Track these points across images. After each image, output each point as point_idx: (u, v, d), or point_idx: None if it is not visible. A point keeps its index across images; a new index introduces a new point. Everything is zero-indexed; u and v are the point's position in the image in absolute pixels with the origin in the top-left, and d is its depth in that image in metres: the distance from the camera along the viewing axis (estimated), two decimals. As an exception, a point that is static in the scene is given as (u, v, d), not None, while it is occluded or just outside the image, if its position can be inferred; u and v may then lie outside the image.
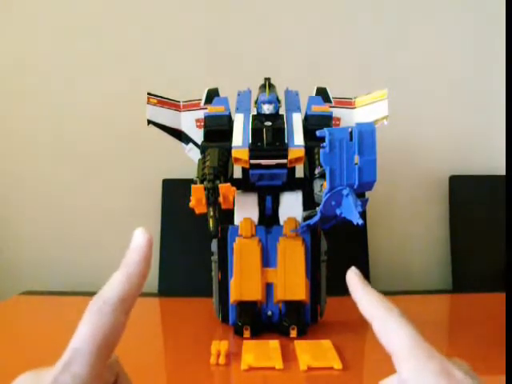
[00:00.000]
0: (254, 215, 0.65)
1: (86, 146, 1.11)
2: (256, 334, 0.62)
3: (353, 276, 0.29)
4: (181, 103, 0.73)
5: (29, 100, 1.11)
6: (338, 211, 0.54)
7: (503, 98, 0.85)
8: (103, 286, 0.24)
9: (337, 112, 0.71)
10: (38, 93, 1.11)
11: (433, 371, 0.23)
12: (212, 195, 0.57)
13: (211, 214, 0.59)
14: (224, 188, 0.58)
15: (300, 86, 0.72)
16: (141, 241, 0.24)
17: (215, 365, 0.54)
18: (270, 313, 0.63)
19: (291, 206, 0.65)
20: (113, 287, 0.24)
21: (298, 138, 0.62)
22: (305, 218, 0.62)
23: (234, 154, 0.61)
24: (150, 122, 0.70)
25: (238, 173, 0.67)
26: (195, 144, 0.71)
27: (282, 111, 0.67)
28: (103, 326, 0.22)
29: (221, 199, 0.58)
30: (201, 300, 0.74)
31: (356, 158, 0.53)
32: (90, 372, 0.22)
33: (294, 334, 0.61)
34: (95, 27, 1.10)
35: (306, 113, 0.68)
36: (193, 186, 0.58)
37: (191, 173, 0.62)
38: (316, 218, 0.56)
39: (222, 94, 0.73)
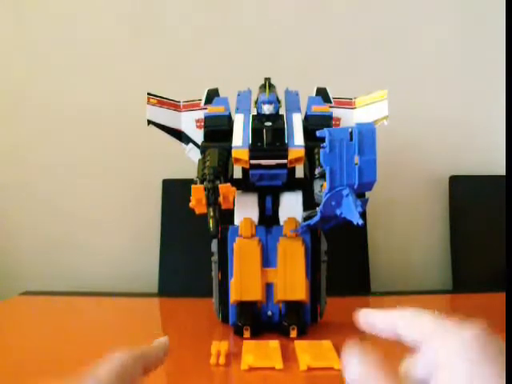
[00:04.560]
0: (254, 215, 0.65)
1: (86, 147, 1.11)
2: (256, 335, 0.61)
3: (361, 311, 0.29)
4: (181, 103, 0.73)
5: (28, 100, 1.11)
6: (338, 211, 0.54)
7: (503, 98, 0.86)
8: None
9: (337, 112, 0.71)
10: (38, 93, 1.11)
11: (465, 338, 0.22)
12: (212, 195, 0.57)
13: (211, 214, 0.59)
14: (224, 188, 0.58)
15: (300, 86, 0.72)
16: (161, 340, 0.31)
17: (215, 365, 0.54)
18: (270, 313, 0.63)
19: (291, 206, 0.65)
20: (137, 348, 0.28)
21: (298, 138, 0.62)
22: (305, 219, 0.62)
23: (234, 154, 0.61)
24: (149, 122, 0.70)
25: (238, 173, 0.67)
26: (195, 144, 0.71)
27: (282, 111, 0.67)
28: (123, 364, 0.26)
29: (221, 199, 0.58)
30: (201, 300, 0.74)
31: (356, 159, 0.53)
32: None
33: (293, 334, 0.61)
34: (94, 27, 1.10)
35: (306, 113, 0.68)
36: (193, 186, 0.58)
37: (191, 173, 0.62)
38: (316, 219, 0.56)
39: (221, 94, 0.73)
